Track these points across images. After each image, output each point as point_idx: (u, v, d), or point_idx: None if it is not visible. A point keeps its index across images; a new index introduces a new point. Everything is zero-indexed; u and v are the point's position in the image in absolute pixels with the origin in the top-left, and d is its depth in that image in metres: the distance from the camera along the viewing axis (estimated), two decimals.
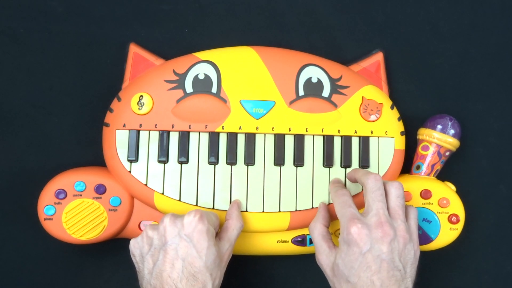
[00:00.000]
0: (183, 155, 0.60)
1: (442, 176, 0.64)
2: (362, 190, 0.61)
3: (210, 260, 0.52)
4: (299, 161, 0.61)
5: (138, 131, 0.60)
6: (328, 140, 0.61)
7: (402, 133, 0.63)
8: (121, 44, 0.64)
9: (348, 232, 0.51)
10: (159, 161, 0.60)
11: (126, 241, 0.57)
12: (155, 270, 0.51)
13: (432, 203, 0.62)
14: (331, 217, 0.60)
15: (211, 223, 0.54)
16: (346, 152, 0.61)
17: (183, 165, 0.60)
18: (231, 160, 0.60)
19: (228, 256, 0.56)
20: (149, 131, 0.60)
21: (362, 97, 0.62)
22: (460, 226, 0.62)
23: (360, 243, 0.50)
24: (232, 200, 0.60)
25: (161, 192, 0.59)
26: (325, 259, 0.54)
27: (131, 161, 0.60)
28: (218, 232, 0.57)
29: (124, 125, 0.60)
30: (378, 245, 0.50)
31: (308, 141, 0.61)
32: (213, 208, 0.60)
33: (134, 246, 0.54)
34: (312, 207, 0.60)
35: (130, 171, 0.59)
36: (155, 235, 0.53)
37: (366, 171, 0.56)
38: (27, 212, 0.62)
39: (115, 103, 0.61)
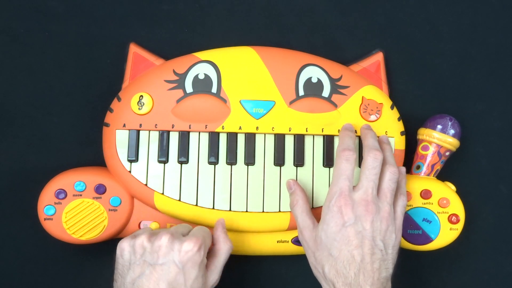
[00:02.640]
0: (183, 155, 0.60)
1: (442, 176, 0.64)
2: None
3: None
4: (299, 161, 0.61)
5: (138, 131, 0.60)
6: (328, 140, 0.61)
7: (402, 133, 0.63)
8: (121, 44, 0.64)
9: (334, 203, 0.53)
10: (159, 161, 0.60)
11: None
12: (138, 282, 0.50)
13: (432, 203, 0.62)
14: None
15: (206, 252, 0.53)
16: None
17: (183, 165, 0.60)
18: (231, 160, 0.60)
19: (214, 284, 0.55)
20: (149, 131, 0.60)
21: (362, 97, 0.62)
22: (460, 226, 0.62)
23: (345, 216, 0.52)
24: (231, 200, 0.60)
25: (161, 192, 0.59)
26: (309, 233, 0.55)
27: (131, 161, 0.60)
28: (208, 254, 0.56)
29: (124, 125, 0.60)
30: (360, 222, 0.52)
31: (308, 141, 0.61)
32: (213, 208, 0.60)
33: (126, 248, 0.52)
34: (313, 207, 0.60)
35: (130, 171, 0.59)
36: (149, 247, 0.51)
37: (371, 143, 0.56)
38: (27, 212, 0.62)
39: (115, 103, 0.61)
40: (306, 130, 0.61)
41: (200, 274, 0.52)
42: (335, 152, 0.61)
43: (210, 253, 0.56)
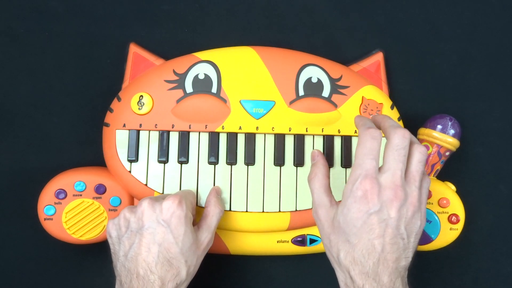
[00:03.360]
0: (183, 155, 0.60)
1: (442, 176, 0.64)
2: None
3: (186, 246, 0.52)
4: (299, 161, 0.61)
5: (138, 131, 0.60)
6: (328, 140, 0.61)
7: None
8: (121, 44, 0.64)
9: (359, 187, 0.48)
10: (159, 161, 0.60)
11: None
12: (131, 253, 0.51)
13: (432, 203, 0.62)
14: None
15: (190, 207, 0.54)
16: (346, 152, 0.61)
17: (183, 165, 0.60)
18: (231, 160, 0.60)
19: (208, 244, 0.55)
20: (149, 131, 0.60)
21: (362, 97, 0.62)
22: (460, 226, 0.62)
23: (370, 203, 0.47)
24: (231, 200, 0.60)
25: (161, 192, 0.59)
26: (324, 213, 0.51)
27: (131, 161, 0.60)
28: (197, 220, 0.57)
29: (124, 125, 0.60)
30: (387, 209, 0.47)
31: (308, 141, 0.61)
32: None
33: (112, 227, 0.53)
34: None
35: (130, 171, 0.59)
36: (132, 217, 0.52)
37: (394, 123, 0.51)
38: (27, 212, 0.62)
39: (115, 103, 0.61)
40: (306, 130, 0.61)
41: (188, 230, 0.52)
42: (335, 152, 0.61)
43: (202, 216, 0.57)
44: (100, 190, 0.59)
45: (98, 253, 0.63)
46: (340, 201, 0.50)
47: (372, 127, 0.50)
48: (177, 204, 0.52)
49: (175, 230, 0.51)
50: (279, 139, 0.61)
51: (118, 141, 0.60)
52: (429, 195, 0.62)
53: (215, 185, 0.60)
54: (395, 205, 0.48)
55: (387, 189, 0.48)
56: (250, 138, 0.60)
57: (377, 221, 0.47)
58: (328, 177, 0.54)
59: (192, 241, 0.52)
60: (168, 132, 0.60)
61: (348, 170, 0.61)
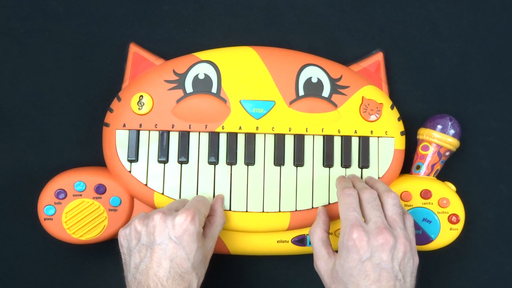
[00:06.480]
0: (183, 155, 0.60)
1: (442, 176, 0.64)
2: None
3: (197, 261, 0.52)
4: (299, 161, 0.61)
5: (138, 131, 0.60)
6: (328, 140, 0.61)
7: (402, 133, 0.63)
8: (121, 44, 0.64)
9: (348, 238, 0.51)
10: (159, 161, 0.60)
11: None
12: (142, 266, 0.51)
13: (432, 203, 0.62)
14: (332, 218, 0.60)
15: (202, 221, 0.54)
16: (346, 152, 0.61)
17: (183, 165, 0.60)
18: (231, 160, 0.60)
19: (211, 253, 0.56)
20: (149, 131, 0.60)
21: (362, 97, 0.62)
22: (460, 226, 0.62)
23: (360, 250, 0.50)
24: (231, 200, 0.60)
25: (161, 192, 0.59)
26: (323, 265, 0.54)
27: (131, 161, 0.60)
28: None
29: (124, 125, 0.60)
30: (378, 253, 0.50)
31: (308, 141, 0.61)
32: None
33: (123, 237, 0.54)
34: (312, 207, 0.60)
35: (130, 171, 0.59)
36: (144, 231, 0.52)
37: (363, 185, 0.57)
38: (27, 212, 0.62)
39: (115, 103, 0.61)
40: (306, 130, 0.61)
41: (200, 245, 0.52)
42: (335, 152, 0.61)
43: (206, 222, 0.56)
44: (100, 190, 0.59)
45: (98, 253, 0.63)
46: (337, 250, 0.54)
47: (347, 187, 0.56)
48: (190, 220, 0.52)
49: (188, 247, 0.51)
50: (279, 139, 0.61)
51: (118, 141, 0.60)
52: (429, 195, 0.62)
53: (215, 185, 0.60)
54: (386, 249, 0.50)
55: (375, 236, 0.51)
56: (250, 138, 0.60)
57: (371, 266, 0.50)
58: (327, 231, 0.57)
59: (203, 255, 0.53)
60: (168, 132, 0.60)
61: (348, 170, 0.61)
